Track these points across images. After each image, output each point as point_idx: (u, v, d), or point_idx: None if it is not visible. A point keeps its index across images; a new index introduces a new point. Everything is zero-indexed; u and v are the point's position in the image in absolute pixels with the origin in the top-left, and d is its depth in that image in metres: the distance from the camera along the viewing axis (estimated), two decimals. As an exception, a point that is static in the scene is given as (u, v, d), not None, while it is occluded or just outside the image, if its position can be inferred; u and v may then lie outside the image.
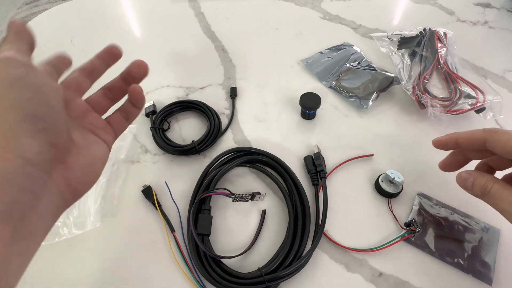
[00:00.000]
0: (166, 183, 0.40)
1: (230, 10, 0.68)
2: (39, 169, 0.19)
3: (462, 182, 0.30)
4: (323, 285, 0.33)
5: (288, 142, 0.44)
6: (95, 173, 0.24)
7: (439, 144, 0.31)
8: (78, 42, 0.61)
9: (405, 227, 0.35)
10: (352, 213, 0.37)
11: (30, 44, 0.23)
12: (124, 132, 0.45)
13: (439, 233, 0.35)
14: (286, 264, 0.32)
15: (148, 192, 0.39)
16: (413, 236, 0.34)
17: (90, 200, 0.38)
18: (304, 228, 0.35)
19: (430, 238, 0.35)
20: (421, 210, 0.37)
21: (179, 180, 0.40)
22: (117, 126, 0.29)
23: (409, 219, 0.36)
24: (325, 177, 0.39)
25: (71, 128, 0.23)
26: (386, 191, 0.37)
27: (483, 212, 0.36)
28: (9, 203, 0.18)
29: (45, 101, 0.20)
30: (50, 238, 0.35)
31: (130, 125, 0.46)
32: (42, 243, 0.20)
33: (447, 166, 0.33)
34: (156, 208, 0.38)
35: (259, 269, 0.32)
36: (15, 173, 0.18)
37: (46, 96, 0.20)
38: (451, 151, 0.32)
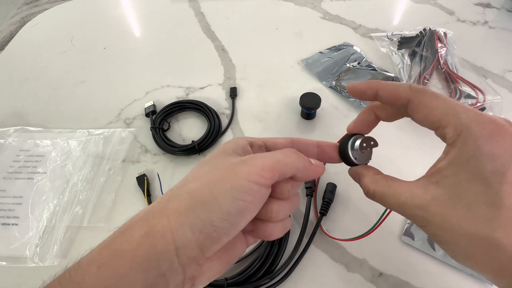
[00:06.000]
0: (158, 175, 0.41)
1: (230, 10, 0.68)
2: (179, 261, 0.19)
3: (354, 178, 0.27)
4: (323, 285, 0.33)
5: (288, 142, 0.44)
6: (220, 273, 0.23)
7: (355, 91, 0.25)
8: (78, 42, 0.61)
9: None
10: (352, 213, 0.37)
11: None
12: (123, 135, 0.45)
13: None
14: (256, 278, 0.32)
15: (141, 180, 0.39)
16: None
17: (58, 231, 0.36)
18: (280, 246, 0.34)
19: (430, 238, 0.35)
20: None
21: (179, 180, 0.40)
22: None
23: None
24: (311, 195, 0.37)
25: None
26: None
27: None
28: (148, 285, 0.18)
29: (235, 222, 0.20)
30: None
31: (129, 128, 0.46)
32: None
33: (356, 127, 0.27)
34: (145, 196, 0.38)
35: (225, 279, 0.31)
36: (163, 256, 0.19)
37: (243, 218, 0.20)
38: (361, 111, 0.28)
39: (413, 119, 0.24)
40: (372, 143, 0.26)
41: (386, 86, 0.24)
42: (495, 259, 0.18)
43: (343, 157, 0.27)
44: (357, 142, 0.26)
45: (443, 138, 0.21)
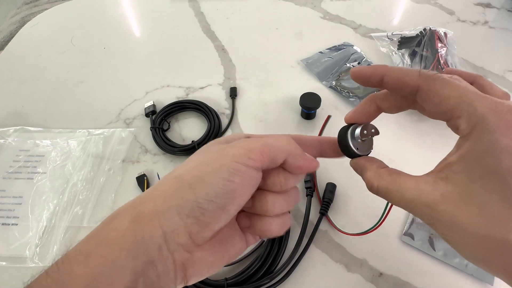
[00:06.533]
0: (158, 175, 0.40)
1: (230, 10, 0.68)
2: (168, 247, 0.19)
3: (356, 171, 0.25)
4: (323, 285, 0.33)
5: (288, 142, 0.44)
6: (215, 268, 0.21)
7: (359, 76, 0.23)
8: (78, 42, 0.61)
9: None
10: (352, 212, 0.37)
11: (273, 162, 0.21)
12: (123, 135, 0.45)
13: (439, 233, 0.35)
14: (256, 278, 0.32)
15: (141, 180, 0.39)
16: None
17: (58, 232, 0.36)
18: (280, 246, 0.34)
19: (431, 238, 0.35)
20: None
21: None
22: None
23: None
24: (311, 195, 0.37)
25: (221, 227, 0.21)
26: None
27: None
28: (137, 272, 0.18)
29: (223, 205, 0.19)
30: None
31: (129, 128, 0.46)
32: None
33: (354, 118, 0.25)
34: None
35: (225, 279, 0.31)
36: (150, 242, 0.18)
37: (232, 200, 0.19)
38: (362, 101, 0.25)
39: (422, 110, 0.21)
40: (373, 130, 0.24)
41: (393, 72, 0.21)
42: (509, 262, 0.17)
43: (344, 148, 0.25)
44: (357, 130, 0.24)
45: (455, 130, 0.19)
